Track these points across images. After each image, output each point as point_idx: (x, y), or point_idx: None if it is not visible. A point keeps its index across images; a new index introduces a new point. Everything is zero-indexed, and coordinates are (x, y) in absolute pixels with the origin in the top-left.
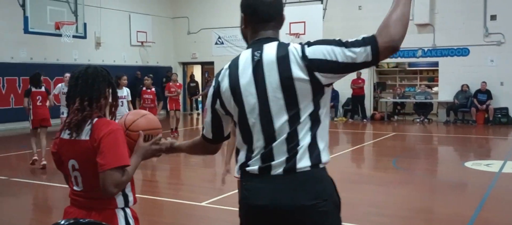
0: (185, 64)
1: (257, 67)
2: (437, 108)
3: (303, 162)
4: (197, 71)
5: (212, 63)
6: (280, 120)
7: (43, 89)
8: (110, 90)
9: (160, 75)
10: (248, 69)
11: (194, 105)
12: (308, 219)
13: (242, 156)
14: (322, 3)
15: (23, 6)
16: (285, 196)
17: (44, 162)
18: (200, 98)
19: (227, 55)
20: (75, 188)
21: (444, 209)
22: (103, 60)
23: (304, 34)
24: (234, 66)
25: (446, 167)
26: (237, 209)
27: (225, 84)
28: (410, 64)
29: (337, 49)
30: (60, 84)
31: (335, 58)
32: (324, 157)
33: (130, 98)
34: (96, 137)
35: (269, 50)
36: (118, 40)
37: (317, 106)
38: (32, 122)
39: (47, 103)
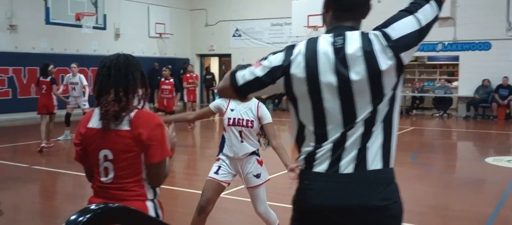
0: (202, 56)
1: (339, 55)
2: (456, 103)
3: (375, 161)
4: (214, 64)
5: (229, 55)
6: (362, 114)
7: (48, 79)
8: (142, 78)
9: (178, 67)
10: (328, 56)
11: (211, 97)
12: (377, 221)
13: (306, 152)
14: None
15: None
16: (355, 195)
17: (43, 145)
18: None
19: (245, 47)
20: (102, 179)
21: (462, 206)
22: (121, 51)
23: (322, 26)
24: (311, 50)
25: (465, 163)
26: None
27: (299, 66)
28: (429, 58)
29: (410, 18)
30: (67, 75)
31: (414, 28)
32: (393, 157)
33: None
34: (141, 129)
35: (353, 39)
36: (137, 31)
37: (393, 103)
38: (37, 108)
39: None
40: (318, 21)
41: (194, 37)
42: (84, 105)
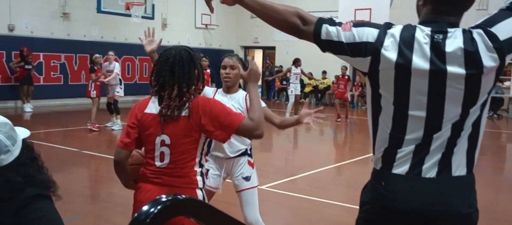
0: (246, 48)
1: (437, 50)
2: (508, 103)
3: (460, 167)
4: (258, 56)
5: (273, 48)
6: (451, 113)
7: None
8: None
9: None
10: (424, 48)
11: None
12: None
13: (384, 151)
14: None
15: None
16: (439, 201)
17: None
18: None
19: (290, 40)
20: (157, 163)
21: (511, 209)
22: (168, 42)
23: (370, 21)
24: (407, 37)
25: None
26: (297, 194)
27: (391, 49)
28: None
29: None
30: (105, 63)
31: None
32: (475, 163)
33: None
34: (198, 114)
35: (455, 37)
36: (183, 22)
37: (484, 107)
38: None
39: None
40: (365, 15)
41: (239, 29)
42: (118, 92)
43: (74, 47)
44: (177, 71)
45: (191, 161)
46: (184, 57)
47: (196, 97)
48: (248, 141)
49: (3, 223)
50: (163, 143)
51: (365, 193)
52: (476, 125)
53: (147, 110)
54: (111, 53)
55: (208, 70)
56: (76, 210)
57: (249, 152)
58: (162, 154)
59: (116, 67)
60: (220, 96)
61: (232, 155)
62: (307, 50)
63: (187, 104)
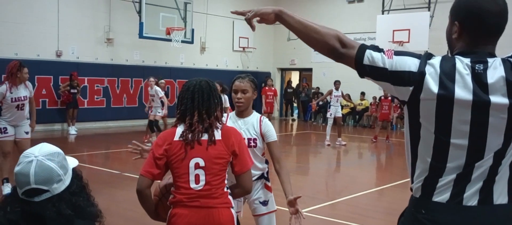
0: (283, 70)
1: (479, 81)
2: None
3: (502, 196)
4: (294, 78)
5: (310, 69)
6: (493, 143)
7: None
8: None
9: (259, 81)
10: (466, 79)
11: (290, 110)
12: None
13: (424, 180)
14: (429, 10)
15: (139, 12)
16: None
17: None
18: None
19: (326, 62)
20: (193, 186)
21: None
22: (206, 65)
23: (408, 42)
24: (448, 68)
25: None
26: (335, 220)
27: (432, 81)
28: None
29: None
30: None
31: None
32: None
33: (228, 105)
34: (232, 141)
35: (494, 66)
36: (221, 45)
37: None
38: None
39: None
40: (403, 36)
41: (276, 51)
42: (159, 112)
43: (117, 72)
44: (197, 99)
45: (223, 182)
46: (203, 86)
47: (225, 125)
48: (264, 165)
49: None
50: (197, 166)
51: (403, 221)
52: None
53: (176, 138)
54: (151, 79)
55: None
56: None
57: (265, 175)
58: (197, 177)
59: (158, 91)
60: (231, 122)
61: None
62: (344, 72)
63: (215, 129)
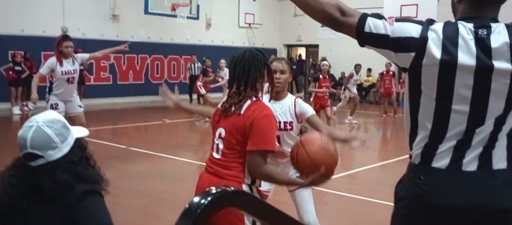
0: (289, 47)
1: (482, 46)
2: None
3: (501, 161)
4: (301, 53)
5: (316, 46)
6: (495, 109)
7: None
8: (266, 71)
9: None
10: (469, 44)
11: (295, 87)
12: (501, 222)
13: (423, 146)
14: None
15: None
16: (483, 195)
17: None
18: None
19: (333, 38)
20: (214, 154)
21: None
22: (212, 41)
23: (416, 17)
24: (451, 33)
25: None
26: (341, 193)
27: (435, 47)
28: None
29: None
30: (217, 70)
31: None
32: None
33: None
34: (249, 117)
35: (498, 31)
36: (227, 22)
37: None
38: None
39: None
40: (411, 11)
41: (282, 28)
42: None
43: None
44: (237, 70)
45: (241, 158)
46: (246, 57)
47: (258, 101)
48: None
49: (58, 221)
50: (220, 135)
51: (401, 188)
52: None
53: (219, 106)
54: (223, 61)
55: None
56: (125, 204)
57: None
58: (217, 146)
59: (226, 73)
60: (270, 105)
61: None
62: (351, 48)
63: (244, 101)
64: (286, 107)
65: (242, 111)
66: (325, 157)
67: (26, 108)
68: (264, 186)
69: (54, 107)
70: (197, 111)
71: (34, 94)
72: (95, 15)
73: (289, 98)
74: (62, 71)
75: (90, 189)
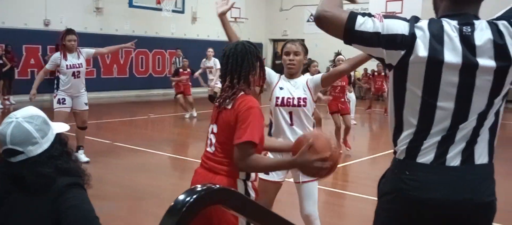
0: (275, 41)
1: (467, 43)
2: None
3: (482, 156)
4: None
5: (302, 41)
6: (478, 105)
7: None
8: (259, 64)
9: None
10: (454, 42)
11: None
12: (481, 216)
13: (409, 143)
14: None
15: None
16: (466, 190)
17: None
18: None
19: (319, 32)
20: (208, 149)
21: None
22: (198, 35)
23: (401, 13)
24: (436, 32)
25: None
26: (327, 188)
27: (422, 44)
28: None
29: None
30: (204, 60)
31: None
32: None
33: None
34: (235, 111)
35: (481, 28)
36: (213, 15)
37: (505, 97)
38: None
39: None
40: (396, 6)
41: (268, 22)
42: (216, 84)
43: (107, 42)
44: (230, 63)
45: (232, 153)
46: (238, 50)
47: (247, 95)
48: (311, 128)
49: (44, 215)
50: (212, 131)
51: (385, 183)
52: (497, 114)
53: (216, 102)
54: (210, 50)
55: None
56: (111, 198)
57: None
58: (210, 141)
59: (217, 63)
60: (283, 81)
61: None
62: (337, 43)
63: (237, 96)
64: (300, 84)
65: (231, 106)
66: (326, 144)
67: (7, 102)
68: (277, 176)
69: (61, 102)
70: (230, 33)
71: (33, 90)
72: (78, 8)
73: (303, 77)
74: (67, 65)
75: (73, 182)
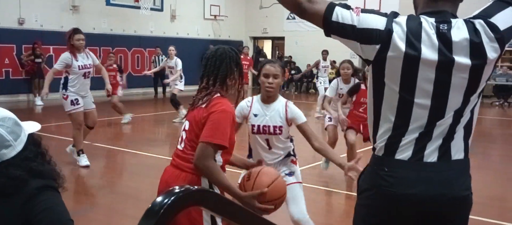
0: (255, 39)
1: (444, 40)
2: None
3: (458, 152)
4: (267, 46)
5: (282, 38)
6: (454, 102)
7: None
8: (237, 70)
9: None
10: (432, 38)
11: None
12: (458, 211)
13: (387, 139)
14: None
15: None
16: (442, 185)
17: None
18: None
19: (299, 30)
20: (178, 146)
21: None
22: (177, 33)
23: (379, 8)
24: (414, 29)
25: None
26: (304, 184)
27: (399, 40)
28: None
29: (510, 9)
30: (166, 59)
31: None
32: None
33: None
34: (208, 110)
35: (457, 26)
36: (192, 13)
37: (480, 95)
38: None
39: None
40: (374, 3)
41: (248, 20)
42: (176, 85)
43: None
44: (208, 65)
45: None
46: (218, 54)
47: (223, 98)
48: (289, 144)
49: (12, 217)
50: (184, 128)
51: (364, 179)
52: (473, 111)
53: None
54: (171, 48)
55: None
56: (88, 201)
57: (292, 153)
58: (181, 138)
59: (178, 63)
60: (257, 106)
61: (273, 162)
62: (317, 40)
63: (211, 97)
64: (276, 111)
65: (205, 105)
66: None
67: None
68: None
69: (75, 103)
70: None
71: (45, 89)
72: (53, 6)
73: (280, 101)
74: (79, 66)
75: (46, 184)
